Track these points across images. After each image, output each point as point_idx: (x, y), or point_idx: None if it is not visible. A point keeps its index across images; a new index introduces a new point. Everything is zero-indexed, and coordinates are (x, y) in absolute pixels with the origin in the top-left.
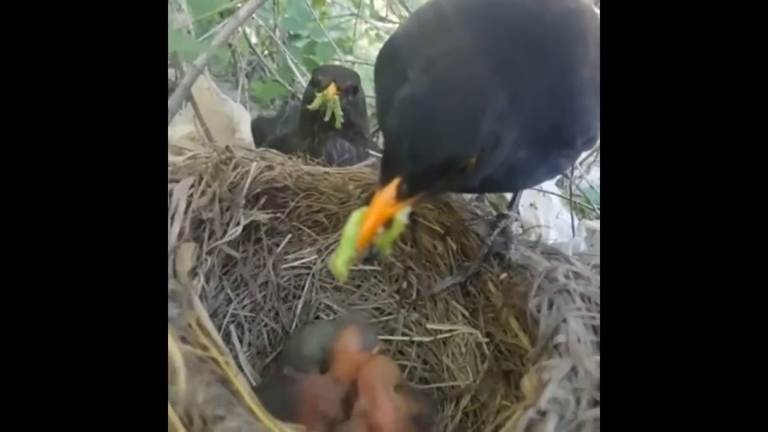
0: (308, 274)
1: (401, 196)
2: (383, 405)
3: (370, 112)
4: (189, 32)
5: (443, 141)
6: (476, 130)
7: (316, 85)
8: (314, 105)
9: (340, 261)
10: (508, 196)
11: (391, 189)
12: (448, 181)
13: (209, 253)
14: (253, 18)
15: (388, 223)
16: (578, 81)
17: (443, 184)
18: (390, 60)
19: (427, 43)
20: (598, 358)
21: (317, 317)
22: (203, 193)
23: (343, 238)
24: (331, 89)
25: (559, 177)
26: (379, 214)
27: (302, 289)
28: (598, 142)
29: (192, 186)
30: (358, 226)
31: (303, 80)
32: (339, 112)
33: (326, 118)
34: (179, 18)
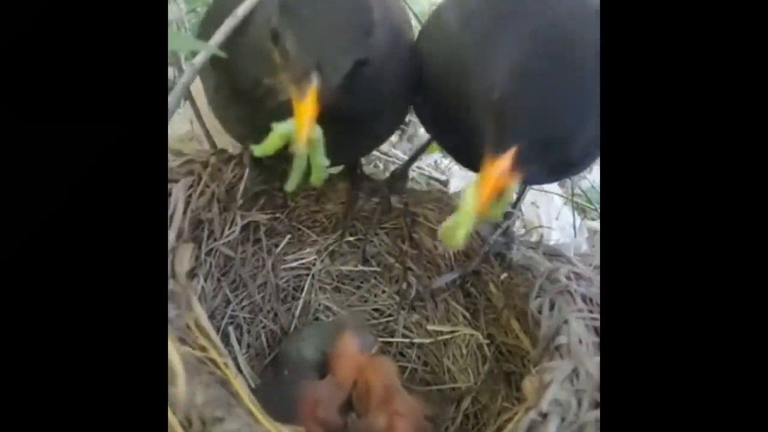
0: (308, 275)
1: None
2: (401, 398)
3: None
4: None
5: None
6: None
7: None
8: None
9: (462, 232)
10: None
11: (507, 158)
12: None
13: (208, 253)
14: None
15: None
16: None
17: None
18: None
19: None
20: (599, 359)
21: (316, 318)
22: (202, 193)
23: (462, 210)
24: None
25: None
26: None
27: (301, 291)
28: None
29: (191, 186)
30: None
31: None
32: None
33: None
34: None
